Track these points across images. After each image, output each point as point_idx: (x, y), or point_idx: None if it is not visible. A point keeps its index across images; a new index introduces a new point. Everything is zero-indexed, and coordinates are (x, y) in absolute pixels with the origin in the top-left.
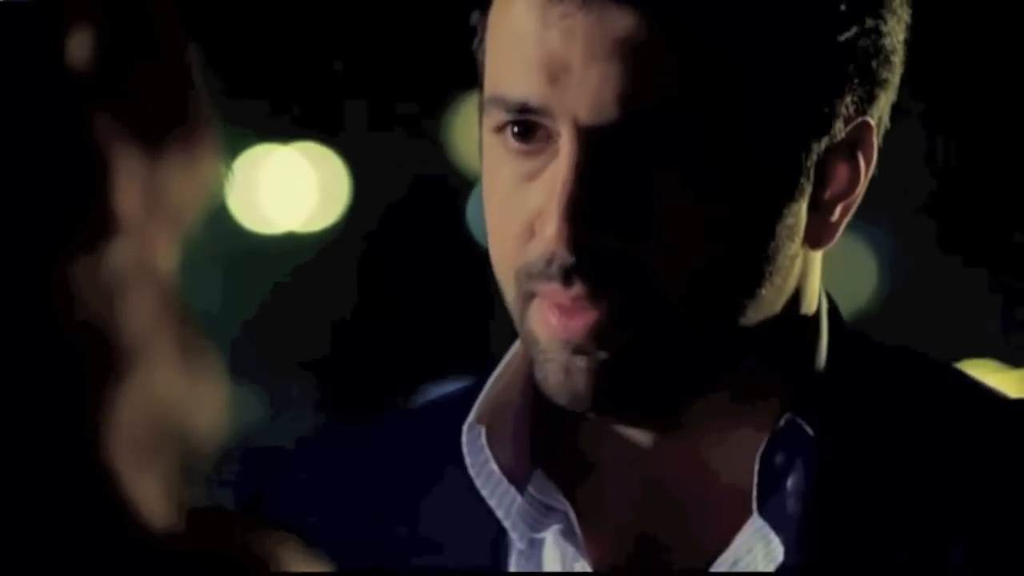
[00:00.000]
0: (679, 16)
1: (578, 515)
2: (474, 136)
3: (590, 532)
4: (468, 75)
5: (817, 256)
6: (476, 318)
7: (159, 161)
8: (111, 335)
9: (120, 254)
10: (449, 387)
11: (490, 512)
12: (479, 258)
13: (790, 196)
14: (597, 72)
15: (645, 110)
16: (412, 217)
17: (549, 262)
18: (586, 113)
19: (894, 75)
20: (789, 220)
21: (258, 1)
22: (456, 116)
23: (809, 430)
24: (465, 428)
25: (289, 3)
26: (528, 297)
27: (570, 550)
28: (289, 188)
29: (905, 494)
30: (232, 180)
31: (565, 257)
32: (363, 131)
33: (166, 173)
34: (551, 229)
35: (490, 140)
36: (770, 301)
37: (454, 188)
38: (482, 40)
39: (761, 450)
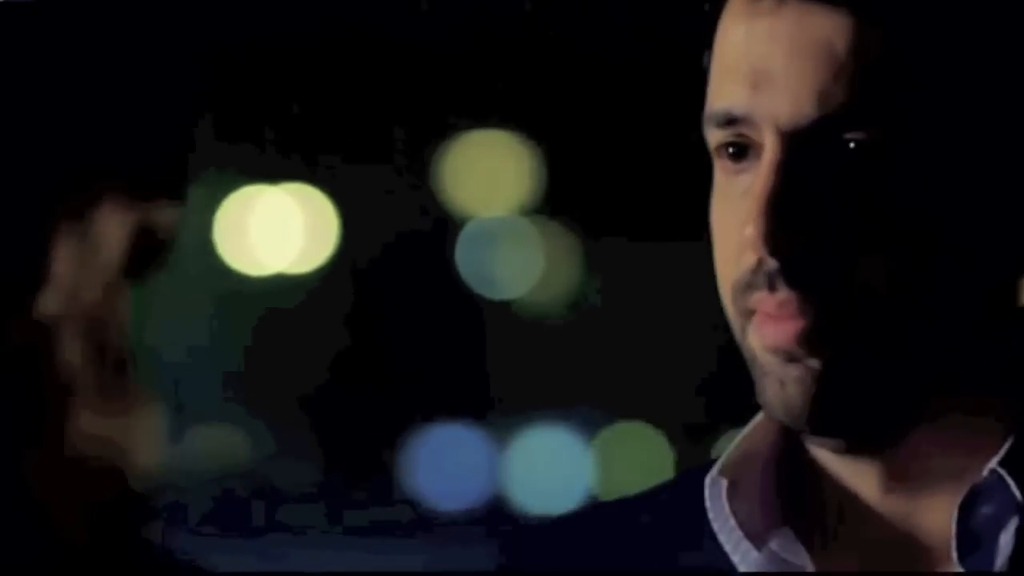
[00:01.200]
0: (882, 19)
1: (820, 570)
2: (462, 178)
3: None
4: (458, 118)
5: None
6: (465, 359)
7: (97, 219)
8: (47, 375)
9: (50, 303)
10: (437, 429)
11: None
12: (468, 299)
13: (1011, 214)
14: (797, 72)
15: (846, 112)
16: (401, 258)
17: (755, 271)
18: (786, 115)
19: None
20: (1012, 239)
21: (248, 45)
22: (445, 158)
23: (1016, 492)
24: (708, 481)
25: (280, 46)
26: (746, 314)
27: None
28: (278, 230)
29: None
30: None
31: (769, 262)
32: (352, 172)
33: (103, 231)
34: (750, 230)
35: (715, 165)
36: (990, 326)
37: (443, 230)
38: (708, 74)
39: (960, 501)
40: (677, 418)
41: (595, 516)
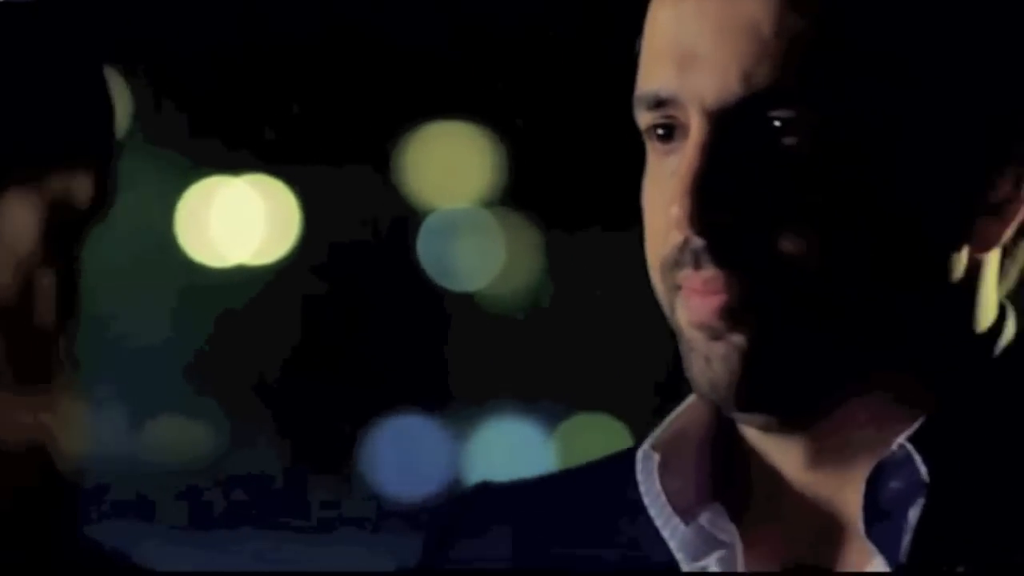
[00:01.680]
0: (806, 5)
1: (746, 548)
2: (423, 170)
3: (753, 565)
4: (419, 109)
5: (989, 265)
6: (426, 350)
7: (3, 201)
8: None
9: None
10: (397, 420)
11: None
12: (429, 291)
13: (935, 194)
14: (722, 53)
15: (772, 92)
16: (362, 249)
17: (682, 249)
18: (712, 96)
19: None
20: (936, 218)
21: (211, 37)
22: (407, 150)
23: (922, 469)
24: (640, 455)
25: (241, 38)
26: (674, 290)
27: None
28: (239, 221)
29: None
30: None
31: (694, 241)
32: (314, 163)
33: (9, 213)
34: (676, 209)
35: (647, 147)
36: (913, 305)
37: (405, 221)
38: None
39: (868, 476)
40: (638, 409)
41: (531, 488)
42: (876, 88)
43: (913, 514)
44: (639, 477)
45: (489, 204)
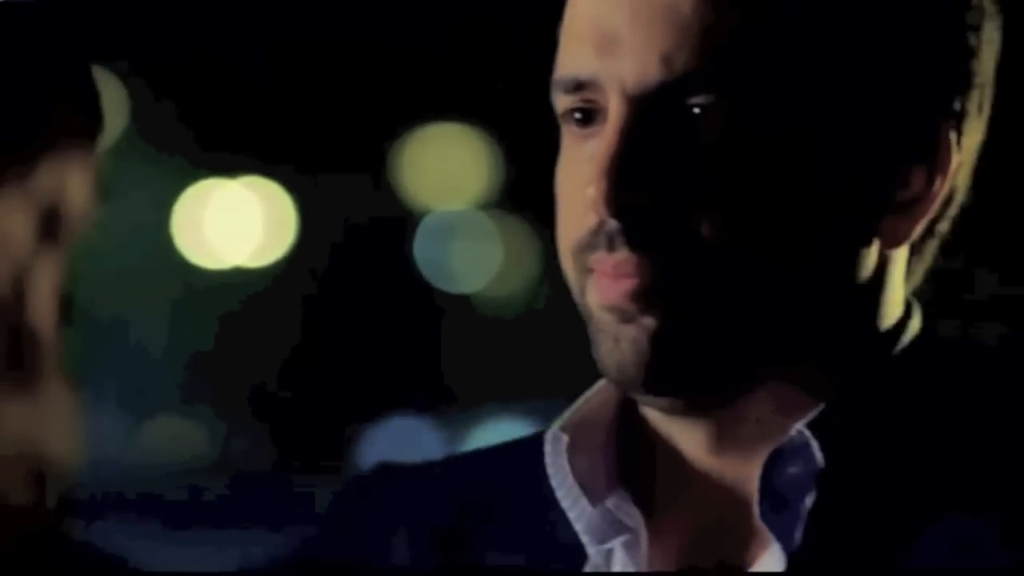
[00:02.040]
0: None
1: (651, 533)
2: (420, 172)
3: (657, 549)
4: (416, 111)
5: (897, 262)
6: (422, 352)
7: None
8: None
9: None
10: (394, 422)
11: (568, 520)
12: (425, 293)
13: (845, 186)
14: (642, 35)
15: (691, 77)
16: (359, 251)
17: (596, 231)
18: (632, 80)
19: (982, 75)
20: (846, 211)
21: (209, 38)
22: (404, 152)
23: (818, 456)
24: (549, 437)
25: (238, 40)
26: (585, 273)
27: (631, 565)
28: (236, 223)
29: (904, 545)
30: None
31: (609, 223)
32: (310, 165)
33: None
34: (592, 191)
35: (563, 131)
36: (826, 294)
37: (401, 222)
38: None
39: (764, 461)
40: None
41: (436, 469)
42: (793, 78)
43: (809, 500)
44: (547, 460)
45: (486, 206)
